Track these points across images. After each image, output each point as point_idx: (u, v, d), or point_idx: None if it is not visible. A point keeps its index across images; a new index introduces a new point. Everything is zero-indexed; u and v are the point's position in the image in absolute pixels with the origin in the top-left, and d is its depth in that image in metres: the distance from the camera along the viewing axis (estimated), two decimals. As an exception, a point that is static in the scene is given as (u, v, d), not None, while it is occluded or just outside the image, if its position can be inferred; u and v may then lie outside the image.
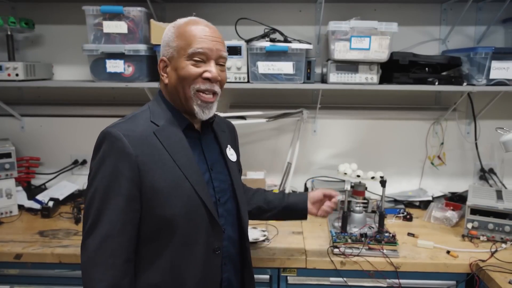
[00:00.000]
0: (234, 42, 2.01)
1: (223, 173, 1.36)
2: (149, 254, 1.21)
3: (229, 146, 1.43)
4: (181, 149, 1.24)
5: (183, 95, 1.24)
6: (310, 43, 2.01)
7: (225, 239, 1.31)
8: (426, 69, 2.09)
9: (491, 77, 1.98)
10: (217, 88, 1.26)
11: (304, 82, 2.04)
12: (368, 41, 1.94)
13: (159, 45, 1.96)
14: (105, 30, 1.99)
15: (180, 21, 1.28)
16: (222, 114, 2.07)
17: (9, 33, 2.20)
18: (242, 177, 2.22)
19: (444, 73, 2.17)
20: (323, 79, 2.18)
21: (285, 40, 2.03)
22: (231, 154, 1.42)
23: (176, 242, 1.21)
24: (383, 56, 1.96)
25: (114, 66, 2.00)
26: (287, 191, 2.31)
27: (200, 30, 1.23)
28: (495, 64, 1.96)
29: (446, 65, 2.10)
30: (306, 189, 2.44)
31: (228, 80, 2.02)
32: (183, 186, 1.20)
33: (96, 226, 1.14)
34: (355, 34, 1.95)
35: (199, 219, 1.23)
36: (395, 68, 2.05)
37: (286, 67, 1.99)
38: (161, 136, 1.22)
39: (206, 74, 1.22)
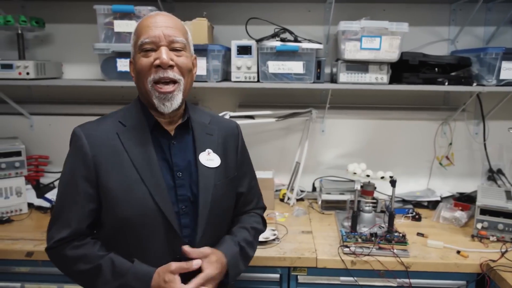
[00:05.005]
0: (245, 42, 2.01)
1: (193, 180, 1.25)
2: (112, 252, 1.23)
3: (209, 150, 1.30)
4: (143, 151, 1.20)
5: (144, 90, 1.21)
6: (320, 43, 2.02)
7: None
8: (436, 69, 2.09)
9: (501, 77, 1.98)
10: (173, 75, 1.18)
11: (314, 82, 2.05)
12: (379, 41, 1.94)
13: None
14: (116, 29, 2.00)
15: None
16: (231, 114, 2.09)
17: (19, 32, 2.20)
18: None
19: (453, 74, 2.17)
20: (333, 79, 2.19)
21: (295, 40, 2.04)
22: (209, 159, 1.29)
23: (131, 245, 1.20)
24: (394, 56, 1.97)
25: (125, 65, 2.00)
26: (295, 191, 2.32)
27: (148, 21, 1.19)
28: (505, 64, 1.96)
29: (456, 66, 2.10)
30: (314, 189, 2.45)
31: (238, 79, 2.05)
32: (138, 189, 1.17)
33: (57, 220, 1.23)
34: (365, 34, 1.95)
35: (155, 226, 1.18)
36: (404, 68, 2.05)
37: (296, 66, 2.00)
38: (124, 137, 1.21)
39: (156, 62, 1.16)
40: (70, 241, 1.20)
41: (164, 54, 1.16)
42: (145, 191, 1.17)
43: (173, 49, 1.19)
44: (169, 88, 1.18)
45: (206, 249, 1.22)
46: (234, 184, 1.38)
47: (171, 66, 1.18)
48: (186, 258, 1.20)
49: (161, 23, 1.19)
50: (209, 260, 1.20)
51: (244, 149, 1.45)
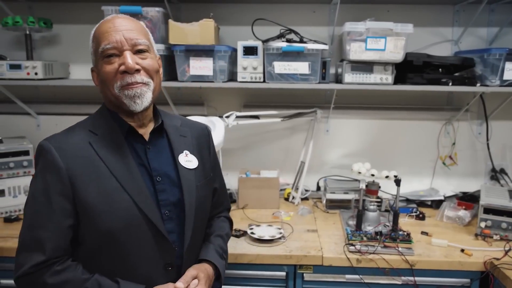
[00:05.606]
0: (251, 42, 2.04)
1: (174, 184, 1.23)
2: (94, 269, 1.15)
3: (186, 152, 1.29)
4: (120, 158, 1.16)
5: (112, 96, 1.16)
6: (326, 44, 2.04)
7: (179, 257, 1.21)
8: (440, 70, 2.11)
9: (504, 78, 2.00)
10: (141, 78, 1.14)
11: (319, 82, 2.07)
12: (384, 42, 1.96)
13: (177, 45, 2.01)
14: (123, 30, 2.02)
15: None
16: (237, 114, 2.11)
17: (27, 32, 2.23)
18: (255, 176, 2.28)
19: (457, 74, 2.19)
20: (338, 79, 2.21)
21: (301, 41, 2.06)
22: (187, 160, 1.28)
23: (118, 257, 1.14)
24: (399, 56, 1.99)
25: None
26: (300, 190, 2.34)
27: (106, 26, 1.14)
28: (508, 65, 1.98)
29: (460, 66, 2.12)
30: (318, 188, 2.47)
31: (244, 80, 2.07)
32: (120, 198, 1.13)
33: (30, 243, 1.12)
34: (370, 35, 1.97)
35: (142, 234, 1.14)
36: (409, 68, 2.07)
37: (302, 67, 2.02)
38: (97, 146, 1.15)
39: (121, 67, 1.12)
40: (50, 265, 1.10)
41: (129, 59, 1.12)
42: (128, 199, 1.13)
43: (137, 52, 1.15)
44: (137, 85, 1.14)
45: (192, 271, 1.22)
46: (211, 185, 1.38)
47: (137, 70, 1.14)
48: (178, 264, 1.21)
49: (121, 27, 1.14)
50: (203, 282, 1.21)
51: (214, 149, 1.46)
